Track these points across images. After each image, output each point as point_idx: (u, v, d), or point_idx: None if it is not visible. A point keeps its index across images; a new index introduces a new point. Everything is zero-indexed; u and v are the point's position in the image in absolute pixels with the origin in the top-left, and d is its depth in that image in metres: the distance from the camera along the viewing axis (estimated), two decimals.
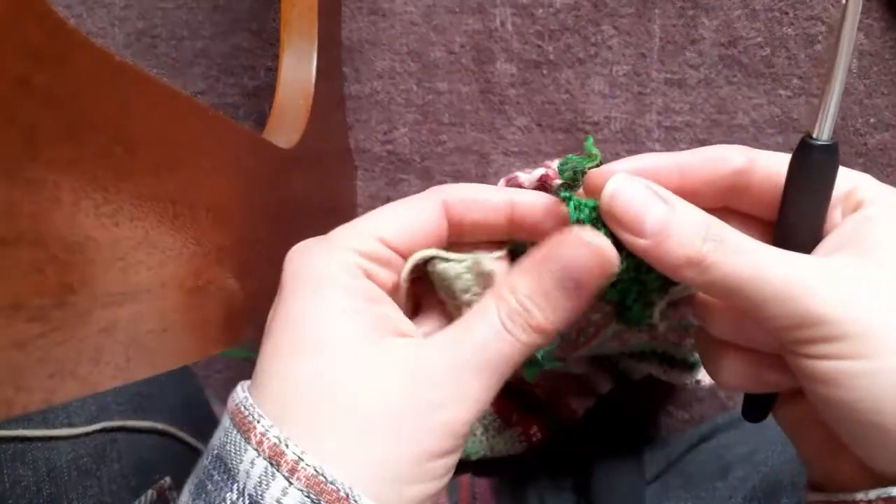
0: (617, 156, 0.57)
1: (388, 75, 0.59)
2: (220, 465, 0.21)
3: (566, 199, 0.24)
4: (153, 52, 0.61)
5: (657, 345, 0.40)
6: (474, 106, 0.58)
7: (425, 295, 0.27)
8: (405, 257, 0.24)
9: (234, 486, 0.21)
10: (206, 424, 0.43)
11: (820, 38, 0.55)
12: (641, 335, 0.39)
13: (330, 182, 0.51)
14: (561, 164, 0.25)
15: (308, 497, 0.20)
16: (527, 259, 0.24)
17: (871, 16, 0.55)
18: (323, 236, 0.25)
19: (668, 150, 0.58)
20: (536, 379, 0.49)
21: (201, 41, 0.61)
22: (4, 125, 0.15)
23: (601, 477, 0.45)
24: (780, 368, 0.24)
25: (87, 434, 0.35)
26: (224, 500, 0.20)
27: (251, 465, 0.20)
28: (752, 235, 0.23)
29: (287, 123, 0.42)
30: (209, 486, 0.21)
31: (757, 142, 0.55)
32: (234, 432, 0.21)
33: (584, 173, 0.25)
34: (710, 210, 0.23)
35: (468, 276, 0.25)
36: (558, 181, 0.27)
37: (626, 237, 0.23)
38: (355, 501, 0.20)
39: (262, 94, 0.60)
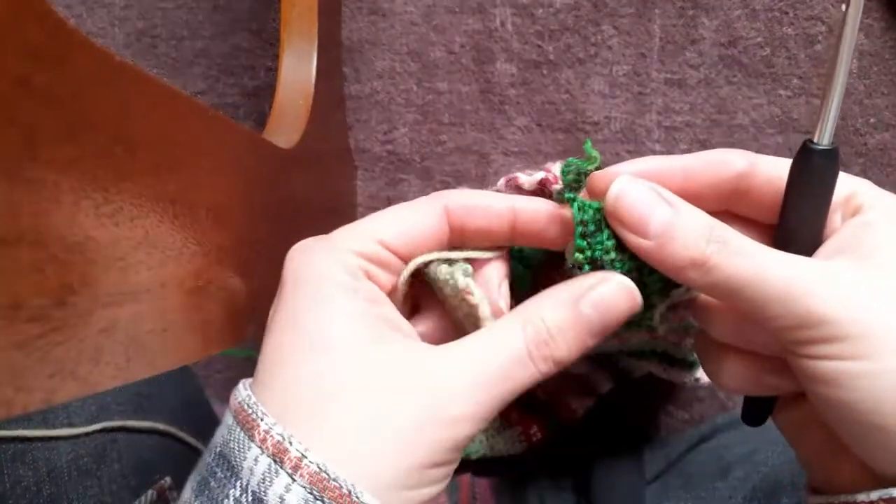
0: (617, 156, 0.57)
1: (388, 75, 0.59)
2: (223, 463, 0.22)
3: (570, 201, 0.24)
4: (153, 52, 0.61)
5: (657, 344, 0.40)
6: (474, 106, 0.58)
7: (422, 296, 0.27)
8: (404, 260, 0.24)
9: (238, 483, 0.21)
10: (206, 424, 0.43)
11: (820, 38, 0.55)
12: (641, 334, 0.39)
13: (330, 182, 0.51)
14: (564, 167, 0.25)
15: (311, 493, 0.20)
16: (561, 290, 0.24)
17: (871, 16, 0.55)
18: (324, 236, 0.25)
19: (668, 151, 0.58)
20: None
21: (201, 41, 0.61)
22: (4, 125, 0.15)
23: (601, 477, 0.45)
24: (779, 372, 0.24)
25: (87, 434, 0.35)
26: (227, 496, 0.21)
27: (255, 462, 0.21)
28: (753, 238, 0.23)
29: (287, 123, 0.42)
30: (212, 483, 0.21)
31: (757, 142, 0.55)
32: (238, 430, 0.22)
33: (586, 175, 0.25)
34: (712, 213, 0.23)
35: (462, 276, 0.25)
36: (557, 186, 0.27)
37: (630, 238, 0.23)
38: (357, 498, 0.20)
39: (262, 94, 0.60)
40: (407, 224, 0.24)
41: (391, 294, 0.25)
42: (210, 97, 0.61)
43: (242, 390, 0.23)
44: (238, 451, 0.21)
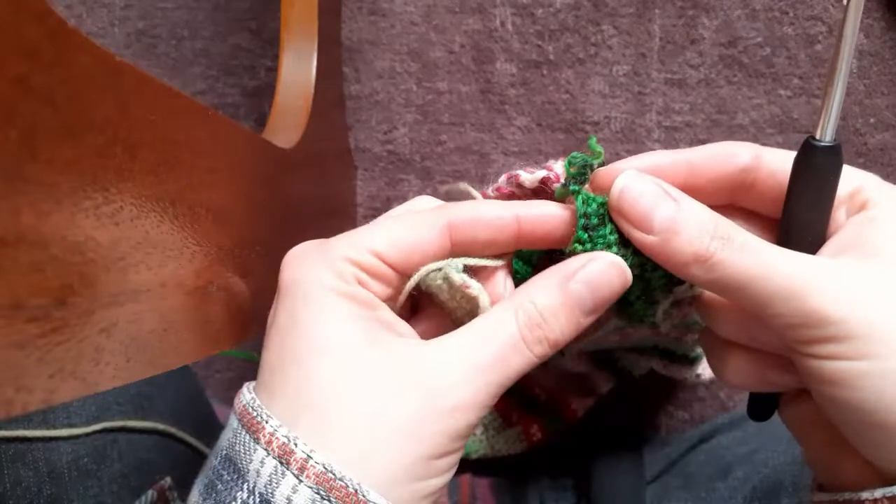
0: (617, 156, 0.57)
1: (388, 75, 0.59)
2: (229, 466, 0.22)
3: (575, 193, 0.24)
4: (153, 52, 0.61)
5: (658, 340, 0.40)
6: (474, 106, 0.58)
7: (422, 299, 0.27)
8: (398, 271, 0.24)
9: (245, 486, 0.21)
10: (206, 425, 0.43)
11: (820, 38, 0.55)
12: (644, 331, 0.39)
13: (330, 182, 0.51)
14: (570, 159, 0.25)
15: (318, 493, 0.20)
16: (550, 273, 0.24)
17: (871, 16, 0.55)
18: (321, 241, 0.25)
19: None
20: (537, 376, 0.49)
21: (201, 41, 0.61)
22: (4, 125, 0.15)
23: (601, 477, 0.45)
24: (784, 368, 0.24)
25: (87, 434, 0.35)
26: (235, 499, 0.21)
27: (261, 464, 0.21)
28: (757, 232, 0.23)
29: (287, 123, 0.42)
30: (219, 486, 0.22)
31: (757, 141, 0.55)
32: (243, 433, 0.22)
33: (591, 169, 0.25)
34: (716, 207, 0.23)
35: (456, 273, 0.25)
36: (558, 184, 0.27)
37: (633, 234, 0.23)
38: (364, 496, 0.20)
39: (262, 94, 0.60)
40: (404, 238, 0.24)
41: (387, 302, 0.25)
42: (210, 97, 0.61)
43: (247, 393, 0.23)
44: (244, 453, 0.21)
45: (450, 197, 0.29)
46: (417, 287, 0.25)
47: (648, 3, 0.56)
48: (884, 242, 0.22)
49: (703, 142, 0.56)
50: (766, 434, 0.43)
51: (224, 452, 0.22)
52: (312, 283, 0.23)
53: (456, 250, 0.25)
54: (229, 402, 0.53)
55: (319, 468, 0.20)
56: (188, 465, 0.39)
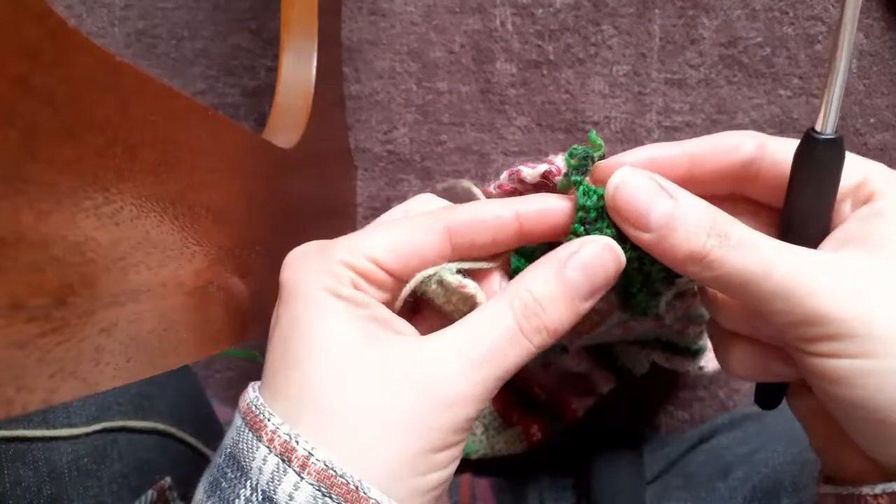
0: None
1: (388, 75, 0.59)
2: (233, 464, 0.22)
3: (576, 184, 0.24)
4: (153, 52, 0.61)
5: (661, 333, 0.40)
6: (474, 106, 0.58)
7: (421, 300, 0.27)
8: (395, 277, 0.24)
9: (248, 483, 0.21)
10: (206, 425, 0.43)
11: (820, 38, 0.55)
12: (647, 323, 0.39)
13: (330, 182, 0.51)
14: (571, 150, 0.25)
15: (319, 490, 0.20)
16: (544, 261, 0.24)
17: (871, 16, 0.55)
18: (321, 243, 0.25)
19: None
20: (537, 375, 0.49)
21: (201, 41, 0.61)
22: (3, 125, 0.15)
23: (601, 477, 0.45)
24: (788, 360, 0.24)
25: (87, 434, 0.35)
26: (238, 496, 0.21)
27: (263, 461, 0.21)
28: (761, 222, 0.23)
29: (287, 123, 0.42)
30: (223, 484, 0.22)
31: None
32: (246, 431, 0.22)
33: (593, 160, 0.25)
34: (719, 197, 0.23)
35: (450, 275, 0.25)
36: (560, 177, 0.27)
37: (630, 231, 0.23)
38: (365, 493, 0.20)
39: (262, 94, 0.60)
40: (402, 243, 0.24)
41: (385, 305, 0.25)
42: (210, 97, 0.61)
43: (251, 392, 0.23)
44: (247, 451, 0.22)
45: (449, 194, 0.29)
46: (414, 292, 0.25)
47: (648, 3, 0.56)
48: (889, 235, 0.22)
49: None
50: (766, 434, 0.43)
51: (228, 451, 0.23)
52: (311, 285, 0.23)
53: (456, 253, 0.25)
54: (229, 402, 0.53)
55: (320, 465, 0.20)
56: (188, 465, 0.39)
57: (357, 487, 0.20)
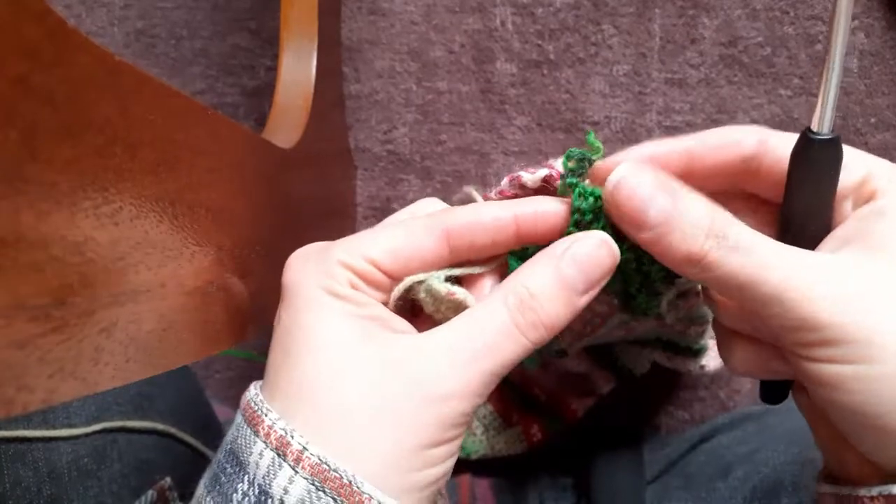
0: None
1: (388, 75, 0.59)
2: (232, 459, 0.22)
3: (572, 186, 0.24)
4: (152, 52, 0.61)
5: (662, 332, 0.40)
6: (474, 105, 0.58)
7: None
8: (393, 279, 0.24)
9: (245, 478, 0.21)
10: (206, 425, 0.43)
11: (820, 37, 0.55)
12: (649, 323, 0.39)
13: (330, 182, 0.51)
14: (568, 153, 0.25)
15: (313, 484, 0.21)
16: (539, 256, 0.24)
17: (871, 15, 0.55)
18: (322, 245, 0.25)
19: None
20: (537, 376, 0.49)
21: (201, 41, 0.61)
22: (3, 125, 0.15)
23: (601, 477, 0.45)
24: (788, 359, 0.24)
25: (87, 434, 0.35)
26: (236, 490, 0.21)
27: (260, 456, 0.21)
28: (761, 220, 0.22)
29: (287, 123, 0.42)
30: (222, 479, 0.22)
31: None
32: (245, 427, 0.22)
33: (591, 162, 0.25)
34: (719, 193, 0.23)
35: (439, 283, 0.25)
36: (560, 181, 0.27)
37: (628, 229, 0.23)
38: (358, 487, 0.20)
39: (261, 94, 0.60)
40: (400, 245, 0.24)
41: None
42: (209, 97, 0.61)
43: (252, 390, 0.24)
44: (245, 446, 0.22)
45: (462, 204, 0.29)
46: (412, 295, 0.25)
47: (649, 3, 0.56)
48: (889, 235, 0.21)
49: None
50: (767, 434, 0.43)
51: (228, 447, 0.23)
52: (309, 285, 0.23)
53: (454, 255, 0.25)
54: (229, 402, 0.53)
55: (314, 460, 0.21)
56: (188, 465, 0.39)
57: (350, 482, 0.20)
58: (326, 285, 0.23)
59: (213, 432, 0.43)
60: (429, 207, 0.27)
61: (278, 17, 0.46)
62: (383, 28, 0.58)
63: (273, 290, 0.25)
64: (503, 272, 0.27)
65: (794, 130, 0.23)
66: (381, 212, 0.58)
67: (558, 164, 0.27)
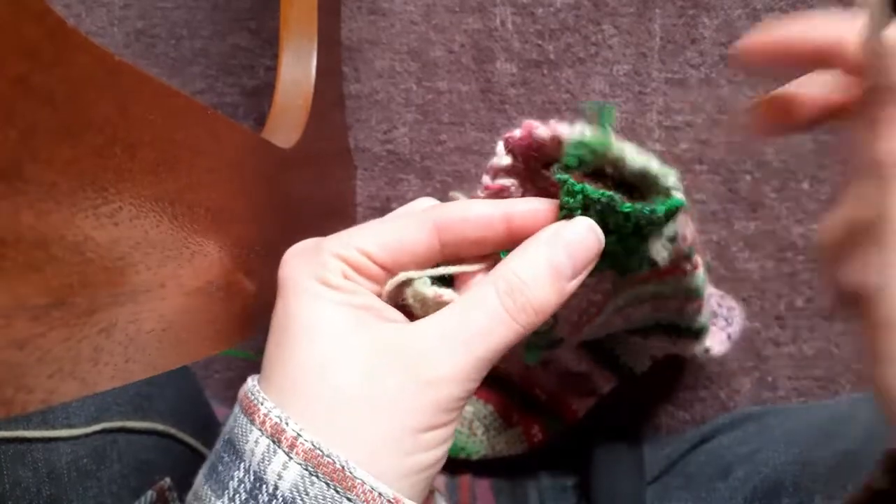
0: None
1: (387, 75, 0.59)
2: (229, 448, 0.23)
3: (561, 182, 0.25)
4: (152, 52, 0.61)
5: (661, 317, 0.40)
6: (474, 105, 0.58)
7: None
8: (387, 270, 0.25)
9: (241, 465, 0.22)
10: (206, 425, 0.43)
11: None
12: (644, 309, 0.39)
13: (329, 182, 0.51)
14: (572, 148, 0.25)
15: (306, 469, 0.21)
16: (528, 243, 0.24)
17: None
18: (315, 240, 0.26)
19: (668, 150, 0.57)
20: (538, 376, 0.49)
21: (200, 40, 0.61)
22: (3, 125, 0.15)
23: (601, 477, 0.45)
24: None
25: (86, 435, 0.35)
26: (232, 478, 0.22)
27: (255, 443, 0.22)
28: None
29: (286, 123, 0.42)
30: (220, 468, 0.23)
31: (757, 141, 0.55)
32: (242, 416, 0.23)
33: (587, 163, 0.25)
34: None
35: (426, 287, 0.25)
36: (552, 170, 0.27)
37: None
38: (351, 472, 0.21)
39: (261, 94, 0.60)
40: (392, 237, 0.25)
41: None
42: (209, 97, 0.61)
43: (249, 382, 0.24)
44: (241, 435, 0.22)
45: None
46: (401, 297, 0.26)
47: (649, 3, 0.56)
48: None
49: (703, 141, 0.56)
50: (767, 434, 0.43)
51: (226, 437, 0.23)
52: (302, 277, 0.24)
53: (446, 250, 0.25)
54: (229, 402, 0.53)
55: (308, 445, 0.21)
56: (188, 465, 0.39)
57: (343, 467, 0.21)
58: (319, 276, 0.24)
59: (212, 432, 0.43)
60: (424, 206, 0.27)
61: (278, 17, 0.46)
62: (383, 28, 0.58)
63: (273, 289, 0.25)
64: None
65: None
66: (380, 212, 0.58)
67: (563, 129, 0.27)
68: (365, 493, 0.21)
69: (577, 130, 0.26)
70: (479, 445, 0.48)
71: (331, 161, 0.52)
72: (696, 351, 0.42)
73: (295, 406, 0.22)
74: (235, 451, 0.22)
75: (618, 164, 0.26)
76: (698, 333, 0.41)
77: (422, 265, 0.25)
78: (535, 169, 0.29)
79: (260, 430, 0.22)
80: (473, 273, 0.26)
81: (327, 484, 0.21)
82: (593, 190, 0.24)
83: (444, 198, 0.28)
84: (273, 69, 0.60)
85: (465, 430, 0.49)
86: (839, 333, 0.54)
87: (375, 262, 0.24)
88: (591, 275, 0.25)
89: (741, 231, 0.55)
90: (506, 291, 0.23)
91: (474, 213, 0.25)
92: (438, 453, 0.23)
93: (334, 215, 0.52)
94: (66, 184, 0.17)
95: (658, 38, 0.56)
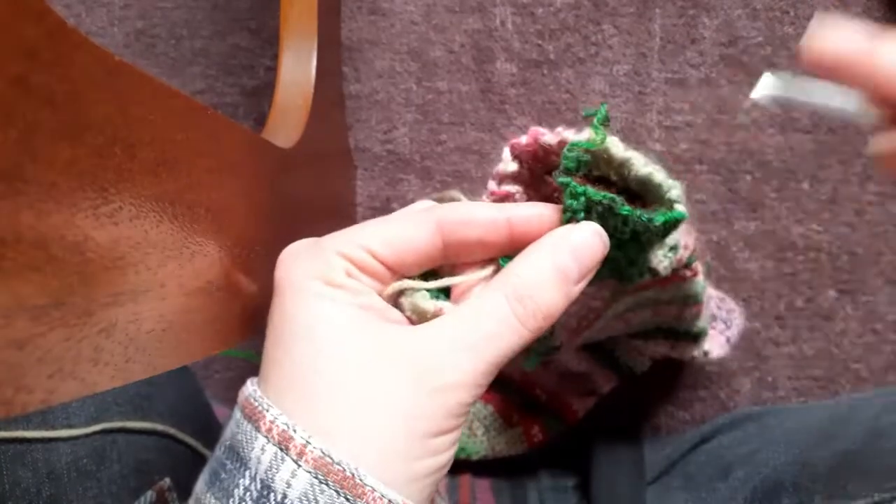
0: None
1: (387, 75, 0.59)
2: (232, 455, 0.22)
3: (563, 186, 0.25)
4: (152, 52, 0.61)
5: (660, 321, 0.40)
6: (474, 105, 0.58)
7: None
8: (390, 268, 0.25)
9: (247, 473, 0.21)
10: (206, 425, 0.43)
11: None
12: (644, 313, 0.39)
13: (330, 182, 0.51)
14: (567, 150, 0.25)
15: (316, 477, 0.21)
16: (534, 247, 0.24)
17: (871, 15, 0.55)
18: (312, 239, 0.25)
19: (668, 150, 0.57)
20: (538, 376, 0.49)
21: (200, 40, 0.61)
22: (2, 125, 0.15)
23: (601, 477, 0.45)
24: None
25: (86, 435, 0.35)
26: (237, 486, 0.21)
27: (262, 451, 0.21)
28: None
29: (286, 123, 0.42)
30: (223, 475, 0.22)
31: (757, 141, 0.55)
32: (245, 423, 0.22)
33: (586, 164, 0.25)
34: None
35: (424, 301, 0.25)
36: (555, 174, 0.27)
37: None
38: (361, 480, 0.21)
39: (261, 94, 0.60)
40: (395, 236, 0.24)
41: None
42: (209, 97, 0.61)
43: (249, 386, 0.24)
44: (246, 442, 0.22)
45: (440, 202, 0.29)
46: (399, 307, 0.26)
47: (649, 3, 0.56)
48: None
49: (703, 141, 0.56)
50: (767, 434, 0.43)
51: (228, 443, 0.23)
52: (302, 277, 0.23)
53: (448, 251, 0.25)
54: (229, 402, 0.53)
55: (317, 453, 0.21)
56: (187, 465, 0.39)
57: (353, 475, 0.21)
58: (321, 275, 0.23)
59: (212, 433, 0.43)
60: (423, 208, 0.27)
61: (278, 16, 0.46)
62: (383, 28, 0.58)
63: (273, 289, 0.25)
64: None
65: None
66: (380, 212, 0.58)
67: (568, 134, 0.27)
68: (375, 501, 0.21)
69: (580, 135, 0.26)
70: (479, 446, 0.48)
71: (331, 161, 0.52)
72: (695, 354, 0.42)
73: (301, 411, 0.22)
74: (239, 458, 0.22)
75: (622, 170, 0.26)
76: (697, 337, 0.41)
77: (424, 265, 0.25)
78: (539, 176, 0.29)
79: (266, 437, 0.21)
80: (474, 283, 0.26)
81: (337, 492, 0.20)
82: (595, 192, 0.24)
83: (443, 198, 0.28)
84: (273, 69, 0.60)
85: (465, 430, 0.49)
86: (839, 333, 0.54)
87: (379, 260, 0.24)
88: (591, 283, 0.25)
89: (741, 231, 0.55)
90: (515, 297, 0.23)
91: (478, 215, 0.25)
92: (446, 457, 0.23)
93: (334, 215, 0.52)
94: (66, 184, 0.17)
95: (658, 38, 0.56)
